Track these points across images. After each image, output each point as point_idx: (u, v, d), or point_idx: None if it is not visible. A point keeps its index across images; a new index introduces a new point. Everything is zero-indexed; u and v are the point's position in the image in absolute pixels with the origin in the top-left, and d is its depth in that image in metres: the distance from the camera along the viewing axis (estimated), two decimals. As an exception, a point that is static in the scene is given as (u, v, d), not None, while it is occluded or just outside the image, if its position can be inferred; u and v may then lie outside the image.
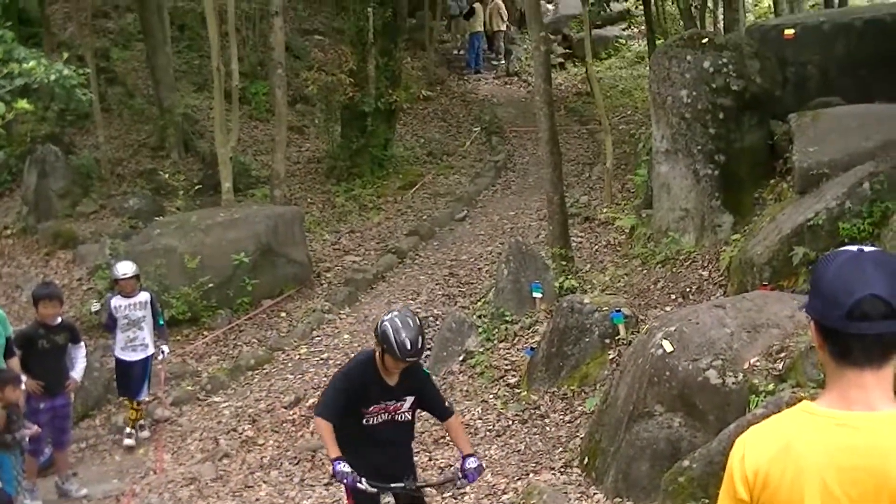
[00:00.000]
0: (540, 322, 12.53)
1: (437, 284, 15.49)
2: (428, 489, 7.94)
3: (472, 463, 6.73)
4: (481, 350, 12.49)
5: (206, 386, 13.16)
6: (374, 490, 6.54)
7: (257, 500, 10.13)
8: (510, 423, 10.81)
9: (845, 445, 2.68)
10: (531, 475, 9.64)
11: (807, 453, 2.72)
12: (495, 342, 12.63)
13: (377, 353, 6.56)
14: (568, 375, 10.99)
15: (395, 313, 6.57)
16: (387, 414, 6.72)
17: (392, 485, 6.67)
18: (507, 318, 12.90)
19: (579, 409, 10.55)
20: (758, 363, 8.57)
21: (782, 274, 10.78)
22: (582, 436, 9.96)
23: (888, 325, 2.66)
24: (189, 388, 13.09)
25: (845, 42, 14.64)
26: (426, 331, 13.52)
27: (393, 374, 6.61)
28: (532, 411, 10.86)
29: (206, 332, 14.38)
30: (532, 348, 11.81)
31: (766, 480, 2.77)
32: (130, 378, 11.80)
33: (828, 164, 11.73)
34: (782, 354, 8.56)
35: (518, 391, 11.41)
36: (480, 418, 11.05)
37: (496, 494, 9.44)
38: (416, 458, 10.30)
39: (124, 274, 11.70)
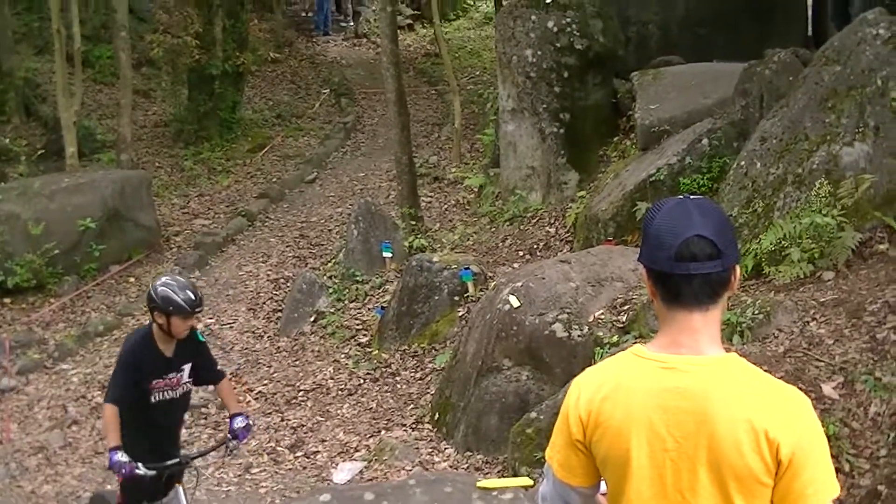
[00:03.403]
0: (390, 281, 12.60)
1: (287, 246, 15.42)
2: (201, 457, 7.89)
3: (240, 422, 6.81)
4: (332, 310, 12.51)
5: (54, 353, 12.88)
6: (153, 473, 6.50)
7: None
8: (362, 381, 10.87)
9: (671, 387, 2.77)
10: (383, 432, 9.72)
11: (635, 394, 2.80)
12: (346, 302, 12.66)
13: (156, 325, 6.53)
14: (418, 333, 11.08)
15: (165, 279, 6.60)
16: (170, 390, 6.69)
17: (168, 462, 6.66)
18: (357, 279, 12.93)
19: (430, 366, 10.65)
20: (602, 316, 8.77)
21: (626, 229, 11.01)
22: (432, 392, 10.07)
23: (714, 265, 2.75)
24: (35, 356, 12.79)
25: (684, 1, 14.93)
26: (277, 293, 13.52)
27: (170, 344, 6.60)
28: (383, 370, 10.94)
29: (52, 300, 14.06)
30: (382, 307, 11.87)
31: (597, 420, 2.84)
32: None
33: (668, 122, 12.01)
34: (626, 307, 8.77)
35: (369, 350, 11.47)
36: (332, 378, 11.09)
37: (348, 452, 9.50)
38: (268, 420, 10.41)
39: None
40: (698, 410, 2.73)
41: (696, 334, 2.82)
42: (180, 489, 6.76)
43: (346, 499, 4.97)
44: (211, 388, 8.60)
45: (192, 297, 6.41)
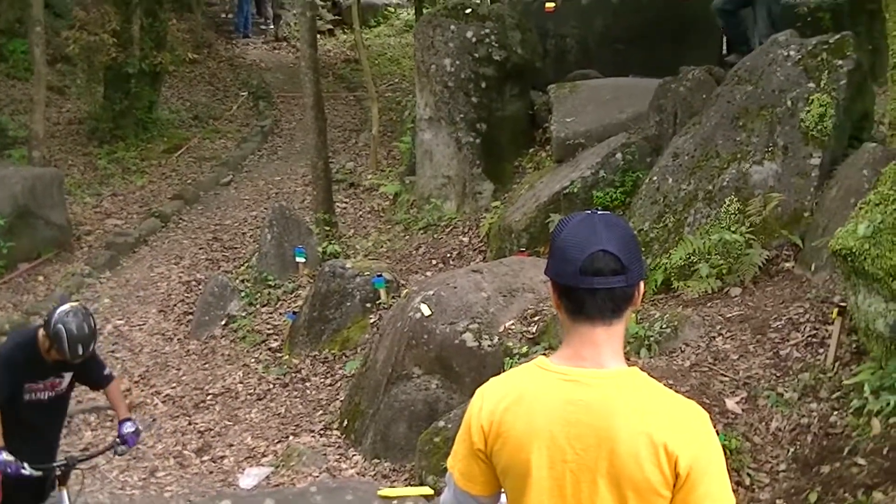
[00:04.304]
0: (303, 286, 12.56)
1: (200, 249, 15.30)
2: (87, 460, 7.79)
3: (128, 427, 6.77)
4: (244, 314, 12.44)
5: (-43, 351, 12.61)
6: (39, 473, 6.41)
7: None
8: (271, 386, 10.82)
9: (573, 400, 2.79)
10: (291, 438, 9.69)
11: (537, 406, 2.82)
12: (258, 306, 12.59)
13: (41, 338, 6.41)
14: (329, 339, 11.05)
15: (71, 314, 6.32)
16: (49, 391, 6.60)
17: (55, 463, 6.61)
18: (270, 283, 12.87)
19: (340, 372, 10.64)
20: (513, 326, 8.82)
21: (539, 240, 11.08)
22: (342, 399, 10.06)
23: (618, 280, 2.77)
24: (-63, 354, 12.52)
25: (603, 16, 15.06)
26: (188, 296, 13.40)
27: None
28: (293, 375, 10.90)
29: (-43, 297, 13.81)
30: (294, 312, 11.83)
31: (499, 430, 2.86)
32: None
33: (584, 135, 12.12)
34: (536, 318, 8.83)
35: (280, 355, 11.43)
36: (241, 382, 11.03)
37: (255, 457, 9.46)
38: (175, 423, 10.31)
39: None
40: (599, 423, 2.76)
41: (599, 347, 2.85)
42: (64, 492, 6.65)
43: (247, 505, 4.92)
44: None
45: (80, 351, 6.25)
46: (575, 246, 2.79)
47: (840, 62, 9.50)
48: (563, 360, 2.88)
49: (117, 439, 6.82)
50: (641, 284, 2.88)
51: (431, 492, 5.96)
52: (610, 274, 2.77)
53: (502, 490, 2.99)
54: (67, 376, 6.64)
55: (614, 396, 2.78)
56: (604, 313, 2.82)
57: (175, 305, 13.35)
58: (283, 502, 4.88)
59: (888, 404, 6.17)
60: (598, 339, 2.84)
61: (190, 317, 12.89)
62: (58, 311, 6.36)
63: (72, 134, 19.48)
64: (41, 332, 6.41)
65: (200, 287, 13.65)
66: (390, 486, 6.80)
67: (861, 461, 5.96)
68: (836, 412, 6.57)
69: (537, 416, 2.81)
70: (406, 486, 7.76)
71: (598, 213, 2.91)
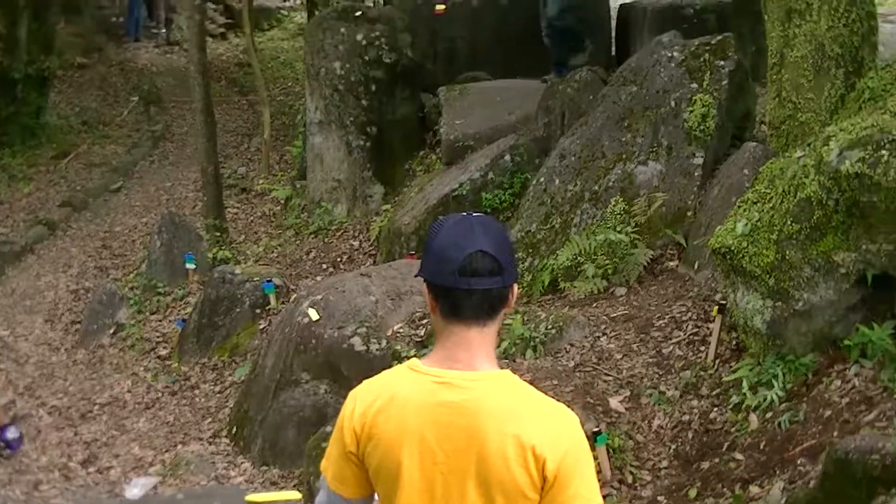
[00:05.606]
0: (193, 293, 12.41)
1: (89, 256, 15.03)
2: None
3: (12, 433, 6.73)
4: (132, 322, 12.24)
5: None
6: None
7: None
8: (160, 394, 10.67)
9: (444, 402, 2.81)
10: (179, 446, 9.55)
11: (409, 408, 2.83)
12: (147, 314, 12.41)
13: None
14: (219, 346, 10.94)
15: None
16: None
17: None
18: (159, 290, 12.69)
19: (229, 379, 10.53)
20: (401, 330, 8.82)
21: (428, 243, 11.08)
22: (231, 406, 9.96)
23: (495, 281, 2.81)
24: None
25: (492, 19, 15.12)
26: (76, 304, 13.17)
27: None
28: (182, 382, 10.76)
29: None
30: (183, 320, 11.69)
31: (370, 432, 2.87)
32: None
33: (473, 137, 12.18)
34: (424, 321, 8.84)
35: (169, 363, 11.27)
36: (129, 391, 10.85)
37: (143, 467, 9.30)
38: (61, 434, 10.12)
39: None
40: (469, 425, 2.78)
41: (472, 349, 2.87)
42: None
43: (113, 514, 4.86)
44: None
45: None
46: (452, 247, 2.81)
47: (722, 63, 9.69)
48: (436, 362, 2.90)
49: (2, 443, 6.73)
50: (515, 286, 2.91)
51: (299, 496, 5.95)
52: (487, 274, 2.80)
53: (375, 491, 3.00)
54: None
55: (485, 399, 2.80)
56: (479, 315, 2.84)
57: (62, 315, 13.10)
58: (149, 510, 4.82)
59: (765, 399, 6.29)
60: (472, 341, 2.87)
61: (77, 326, 12.66)
62: None
63: (-45, 140, 19.04)
64: None
65: (89, 295, 13.41)
66: (263, 492, 6.74)
67: (739, 456, 6.06)
68: (716, 408, 6.68)
69: (409, 418, 2.83)
70: (297, 490, 7.73)
71: (474, 214, 2.95)
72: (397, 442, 2.83)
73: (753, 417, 6.30)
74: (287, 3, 28.08)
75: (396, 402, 2.86)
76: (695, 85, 9.61)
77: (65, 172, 18.40)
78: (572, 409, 3.01)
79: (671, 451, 6.51)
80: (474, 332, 2.86)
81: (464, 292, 2.80)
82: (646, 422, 6.77)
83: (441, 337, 2.93)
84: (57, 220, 16.30)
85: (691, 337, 7.54)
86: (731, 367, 6.93)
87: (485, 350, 2.89)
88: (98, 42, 25.78)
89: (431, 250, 2.87)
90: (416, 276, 2.99)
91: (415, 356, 8.10)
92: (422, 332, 8.68)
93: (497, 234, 2.88)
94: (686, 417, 6.73)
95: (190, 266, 12.68)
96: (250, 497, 4.87)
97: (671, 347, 7.44)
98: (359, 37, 13.45)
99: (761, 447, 6.00)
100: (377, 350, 8.50)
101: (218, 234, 13.60)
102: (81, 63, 23.19)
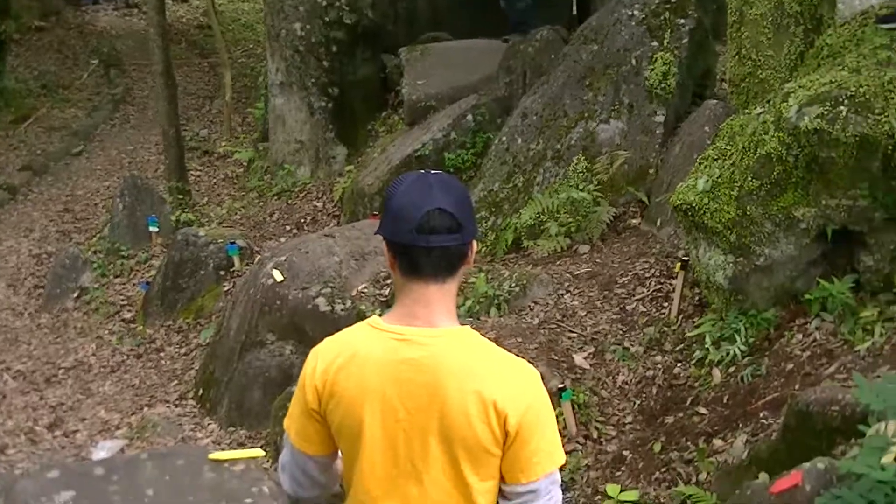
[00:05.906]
0: (156, 256, 12.36)
1: (51, 221, 14.94)
2: None
3: None
4: (96, 286, 12.19)
5: None
6: None
7: None
8: (125, 358, 10.65)
9: (405, 359, 2.82)
10: (146, 409, 9.55)
11: (370, 365, 2.85)
12: (111, 277, 12.36)
13: None
14: (183, 308, 10.91)
15: None
16: None
17: None
18: (122, 253, 12.63)
19: (194, 341, 10.51)
20: (365, 290, 8.83)
21: (391, 204, 11.07)
22: (197, 368, 9.96)
23: (454, 238, 2.81)
24: None
25: (453, -21, 15.07)
26: (39, 268, 13.11)
27: None
28: (147, 345, 10.74)
29: None
30: (147, 283, 11.64)
31: (332, 389, 2.89)
32: None
33: (435, 97, 12.15)
34: (388, 280, 8.85)
35: (133, 326, 11.25)
36: (94, 355, 10.82)
37: (109, 430, 9.30)
38: (26, 399, 10.11)
39: None
40: (430, 382, 2.79)
41: (432, 306, 2.88)
42: None
43: (75, 474, 4.84)
44: None
45: None
46: (410, 205, 2.81)
47: (682, 21, 9.71)
48: (396, 319, 2.92)
49: None
50: (474, 243, 2.92)
51: (262, 453, 5.98)
52: (445, 232, 2.80)
53: (338, 448, 3.01)
54: None
55: (445, 355, 2.81)
56: (438, 272, 2.85)
57: (25, 279, 13.04)
58: (112, 470, 4.81)
59: (728, 354, 6.36)
60: (432, 298, 2.88)
61: (41, 290, 12.60)
62: None
63: (-86, 107, 18.88)
64: None
65: (51, 260, 13.35)
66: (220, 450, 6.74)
67: (703, 410, 6.13)
68: (679, 364, 6.74)
69: (370, 375, 2.84)
70: (264, 450, 7.75)
71: (432, 172, 2.95)
72: (359, 399, 2.85)
73: (716, 372, 6.36)
74: (247, -35, 27.79)
75: (357, 360, 2.87)
76: (655, 43, 9.63)
77: (24, 136, 18.26)
78: (537, 366, 3.04)
79: (636, 406, 6.57)
80: (433, 288, 2.87)
81: (422, 249, 2.81)
82: (610, 378, 6.83)
83: (401, 294, 2.94)
84: (17, 185, 16.19)
85: (654, 293, 7.59)
86: (694, 322, 6.99)
87: (444, 306, 2.90)
88: (56, 5, 25.50)
89: (390, 209, 2.87)
90: (375, 234, 2.99)
91: (381, 315, 8.17)
92: (386, 292, 8.69)
93: (455, 191, 2.88)
94: (650, 373, 6.79)
95: (153, 229, 12.63)
96: (214, 455, 4.88)
97: (634, 304, 7.50)
98: (319, -3, 13.37)
99: (724, 401, 6.06)
100: (342, 310, 8.50)
101: (181, 196, 13.54)
102: (39, 26, 22.96)
